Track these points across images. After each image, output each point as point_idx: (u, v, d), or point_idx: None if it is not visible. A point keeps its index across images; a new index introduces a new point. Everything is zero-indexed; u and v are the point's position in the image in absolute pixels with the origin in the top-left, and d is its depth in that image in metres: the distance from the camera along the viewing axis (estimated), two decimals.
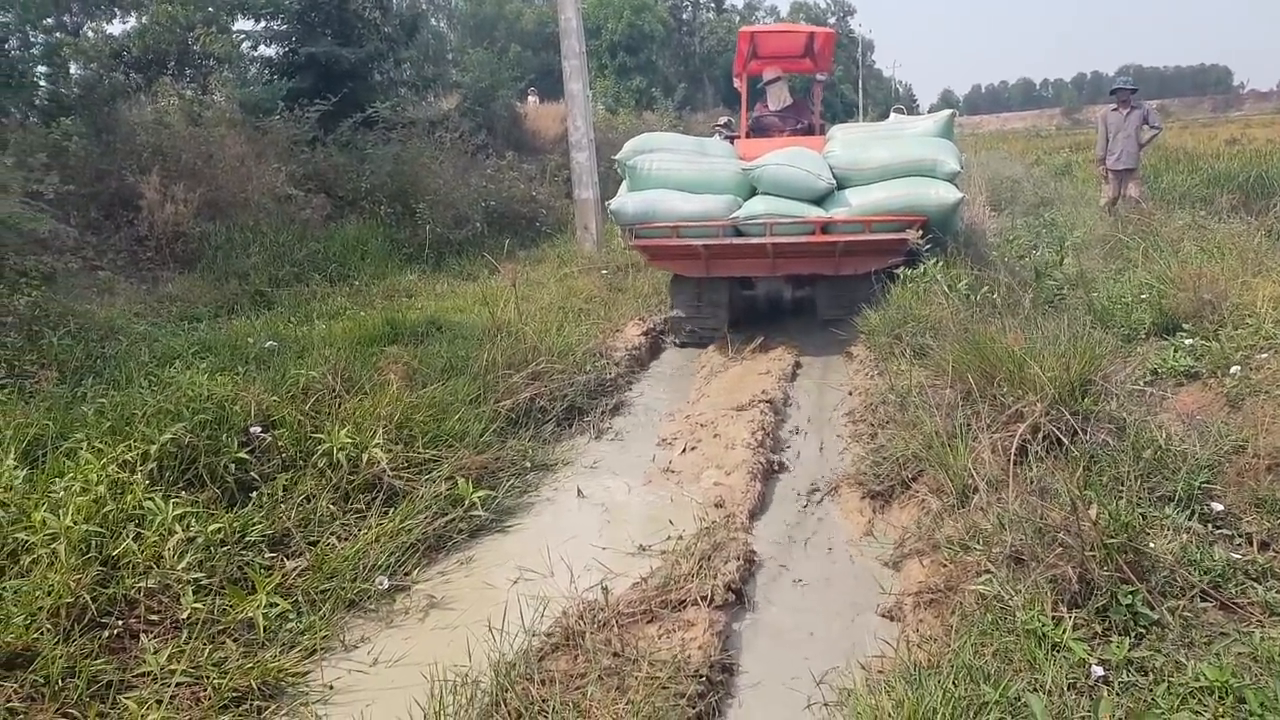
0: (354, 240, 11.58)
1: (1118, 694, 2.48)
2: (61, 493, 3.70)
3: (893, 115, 8.93)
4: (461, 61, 23.37)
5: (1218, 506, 3.58)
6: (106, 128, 11.09)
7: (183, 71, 15.74)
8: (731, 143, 9.23)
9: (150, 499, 3.79)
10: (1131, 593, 2.78)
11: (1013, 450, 3.86)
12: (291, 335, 7.30)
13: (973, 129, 60.78)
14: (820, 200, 7.19)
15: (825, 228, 6.99)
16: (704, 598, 3.60)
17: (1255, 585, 3.03)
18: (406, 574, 4.01)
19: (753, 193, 7.43)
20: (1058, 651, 2.67)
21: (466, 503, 4.47)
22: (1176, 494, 3.60)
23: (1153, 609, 2.76)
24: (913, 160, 7.13)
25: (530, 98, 23.92)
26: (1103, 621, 2.77)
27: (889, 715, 2.38)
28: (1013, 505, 3.44)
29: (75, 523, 3.49)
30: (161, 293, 9.41)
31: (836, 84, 54.10)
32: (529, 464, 5.17)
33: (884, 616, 3.56)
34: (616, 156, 7.99)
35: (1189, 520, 3.46)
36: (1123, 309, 6.21)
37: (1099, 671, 2.55)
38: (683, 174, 7.53)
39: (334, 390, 5.37)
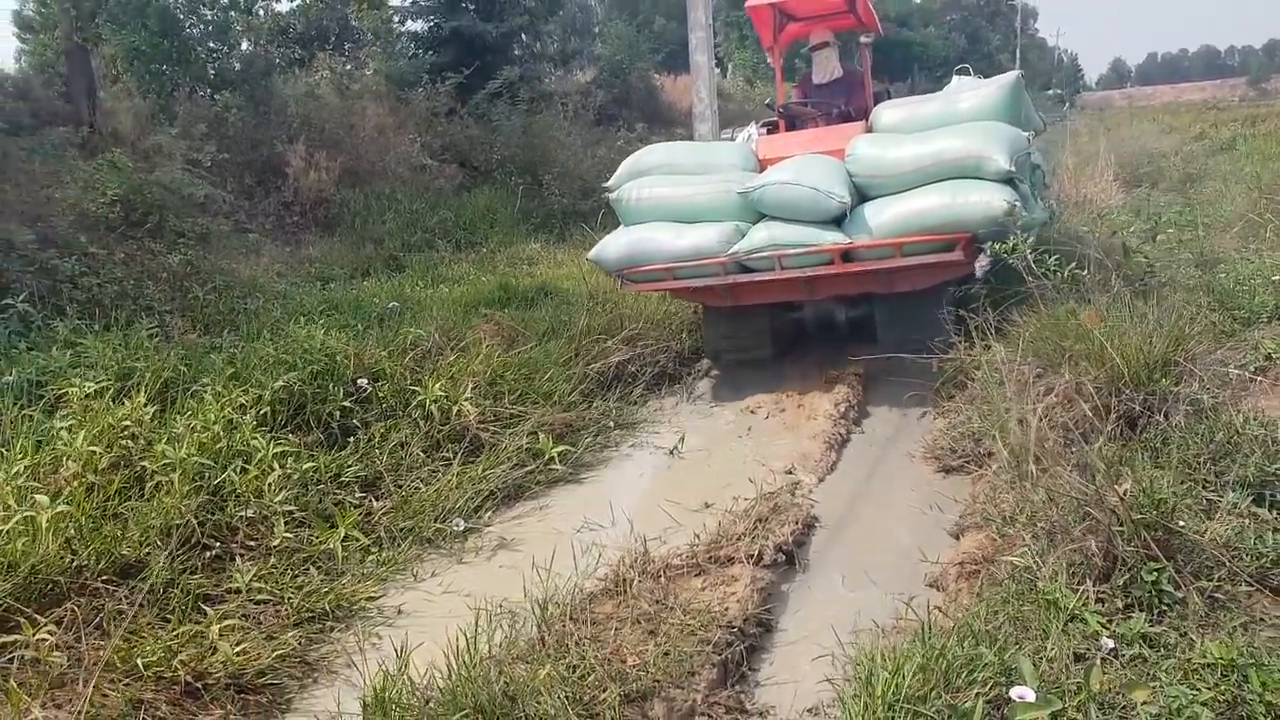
0: (484, 209, 12.05)
1: (1122, 666, 2.48)
2: (181, 429, 4.15)
3: (954, 80, 7.02)
4: (604, 34, 23.66)
5: None
6: (263, 100, 11.89)
7: (341, 46, 16.70)
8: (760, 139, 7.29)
9: (255, 438, 4.21)
10: (1158, 570, 2.75)
11: (1073, 427, 3.81)
12: (415, 297, 7.74)
13: (1144, 100, 57.19)
14: (842, 218, 5.56)
15: (846, 255, 5.53)
16: (750, 556, 3.73)
17: None
18: (482, 518, 4.31)
19: (762, 215, 5.86)
20: (1074, 623, 2.68)
21: (546, 456, 4.74)
22: (1247, 479, 3.48)
23: (1178, 588, 2.72)
24: (951, 159, 5.44)
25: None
26: (1126, 597, 2.76)
27: (881, 667, 2.47)
28: (1067, 480, 3.41)
29: (189, 455, 3.92)
30: (302, 254, 10.11)
31: (994, 54, 51.70)
32: (612, 423, 5.39)
33: (930, 586, 3.60)
34: (607, 185, 6.63)
35: (1256, 506, 3.35)
36: (1247, 291, 5.91)
37: (1109, 644, 2.55)
38: (676, 201, 6.08)
39: (440, 348, 5.74)
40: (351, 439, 4.66)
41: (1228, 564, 2.95)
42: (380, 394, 5.01)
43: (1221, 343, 4.96)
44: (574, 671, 2.75)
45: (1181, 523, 2.90)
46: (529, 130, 13.71)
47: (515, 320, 6.65)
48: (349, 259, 10.13)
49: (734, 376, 6.46)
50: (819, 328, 6.62)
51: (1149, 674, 2.41)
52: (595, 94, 17.70)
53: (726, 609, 3.36)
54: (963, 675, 2.42)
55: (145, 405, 4.28)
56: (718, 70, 29.95)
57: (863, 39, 7.30)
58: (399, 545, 4.00)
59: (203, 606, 3.28)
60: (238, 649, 3.01)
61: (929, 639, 2.62)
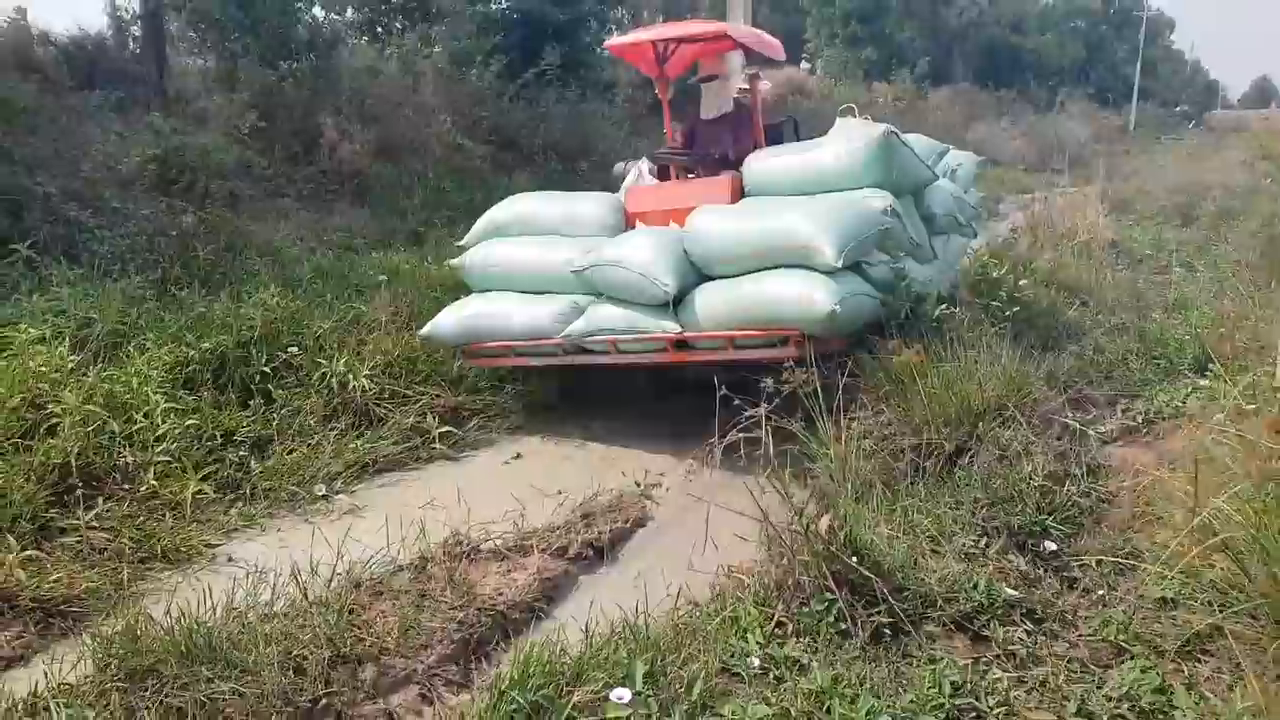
0: (517, 191, 12.45)
1: (764, 684, 2.71)
2: (93, 379, 4.67)
3: (838, 123, 6.23)
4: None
5: (1051, 546, 3.58)
6: (322, 71, 12.53)
7: (411, 23, 17.31)
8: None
9: (156, 394, 4.69)
10: (829, 600, 2.96)
11: (893, 461, 3.98)
12: (407, 273, 8.17)
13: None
14: (678, 301, 5.11)
15: (678, 345, 5.13)
16: (558, 549, 4.04)
17: (1008, 626, 3.10)
18: (348, 486, 4.72)
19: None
20: (743, 640, 2.93)
21: (429, 435, 5.12)
22: (1014, 527, 3.62)
23: (842, 619, 2.92)
24: (779, 245, 4.89)
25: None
26: (796, 624, 2.98)
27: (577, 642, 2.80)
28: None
29: (86, 403, 4.42)
30: (330, 223, 10.67)
31: (1119, 65, 49.49)
32: (508, 410, 5.73)
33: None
34: (461, 243, 6.40)
35: (1010, 555, 3.50)
36: (1175, 341, 5.88)
37: (755, 662, 2.79)
38: (518, 268, 5.72)
39: (381, 324, 6.17)
40: (252, 402, 5.11)
41: (939, 603, 3.15)
42: (297, 363, 5.47)
43: (1104, 390, 5.03)
44: (304, 630, 3.10)
45: (886, 561, 3.09)
46: (573, 117, 14.07)
47: None
48: (373, 230, 10.67)
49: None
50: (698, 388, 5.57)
51: (763, 693, 2.64)
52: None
53: (500, 592, 3.67)
54: (599, 672, 2.70)
55: (69, 355, 4.81)
56: (806, 67, 29.87)
57: (745, 70, 6.55)
58: (259, 502, 4.44)
59: (42, 538, 3.77)
60: (54, 579, 3.47)
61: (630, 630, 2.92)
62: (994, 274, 5.48)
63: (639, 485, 4.74)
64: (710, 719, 2.51)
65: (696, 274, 5.20)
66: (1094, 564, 3.47)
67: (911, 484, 4.05)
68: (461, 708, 2.77)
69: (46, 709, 2.64)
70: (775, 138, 6.51)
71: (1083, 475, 3.90)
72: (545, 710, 2.54)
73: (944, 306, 4.79)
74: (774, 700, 2.58)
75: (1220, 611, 2.83)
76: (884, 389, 4.48)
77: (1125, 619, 3.08)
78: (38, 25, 11.81)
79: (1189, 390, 4.97)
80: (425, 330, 5.75)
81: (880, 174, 5.37)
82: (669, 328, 5.05)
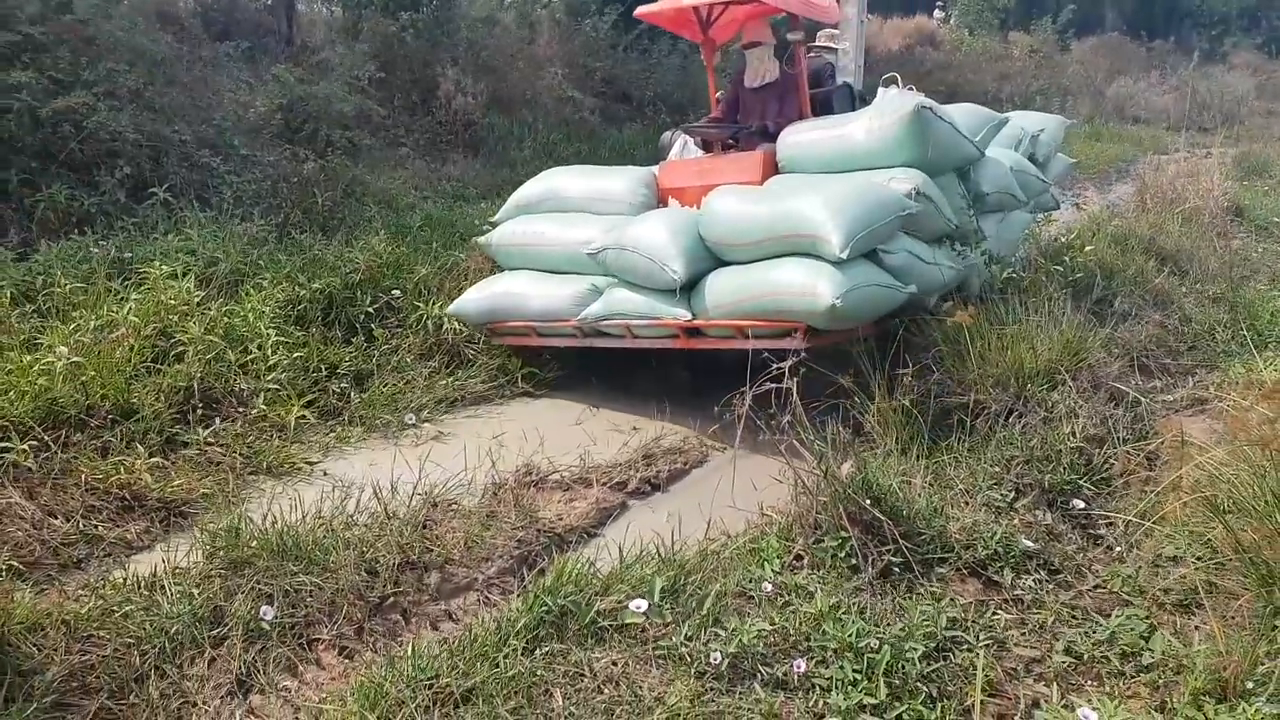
0: (625, 144, 12.75)
1: (773, 607, 2.98)
2: (215, 312, 5.22)
3: (881, 92, 5.79)
4: None
5: (1079, 504, 3.71)
6: (443, 21, 12.98)
7: None
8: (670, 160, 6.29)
9: (270, 329, 5.21)
10: (842, 537, 3.20)
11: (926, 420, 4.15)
12: None
13: None
14: (692, 286, 5.04)
15: (690, 331, 5.08)
16: (613, 482, 4.39)
17: (1022, 575, 3.28)
18: (435, 416, 5.18)
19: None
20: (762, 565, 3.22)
21: (513, 375, 5.55)
22: (1044, 483, 3.76)
23: (853, 556, 3.16)
24: (787, 233, 4.69)
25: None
26: (810, 556, 3.23)
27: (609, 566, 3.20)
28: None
29: (207, 334, 4.97)
30: (444, 172, 11.20)
31: None
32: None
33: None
34: (493, 220, 6.39)
35: (1037, 510, 3.65)
36: (1270, 313, 5.80)
37: (768, 587, 3.06)
38: (541, 248, 5.72)
39: (471, 272, 6.59)
40: (355, 339, 5.61)
41: (956, 550, 3.35)
42: (399, 305, 5.94)
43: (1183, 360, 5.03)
44: (380, 539, 3.53)
45: (904, 508, 3.30)
46: (685, 69, 14.18)
47: None
48: (484, 180, 11.13)
49: None
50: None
51: (768, 613, 2.92)
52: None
53: (559, 518, 4.05)
54: (624, 585, 3.03)
55: (195, 290, 5.37)
56: (939, 15, 28.80)
57: (790, 35, 5.84)
58: (355, 428, 4.93)
59: (166, 450, 4.33)
60: (175, 484, 4.01)
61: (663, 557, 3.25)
62: (1061, 241, 5.48)
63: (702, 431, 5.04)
64: (716, 629, 2.81)
65: (712, 259, 5.08)
66: (1121, 525, 3.58)
67: (956, 442, 4.21)
68: (501, 607, 3.15)
69: (163, 587, 3.13)
70: (827, 108, 6.05)
71: (1122, 440, 3.98)
72: (571, 614, 2.88)
73: (1010, 271, 4.85)
74: (777, 620, 2.85)
75: (1216, 569, 2.95)
76: (935, 349, 4.60)
77: (1132, 573, 3.22)
78: None
79: (1269, 363, 4.93)
80: (452, 307, 5.82)
81: (913, 152, 5.06)
82: (679, 314, 4.98)
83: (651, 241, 4.98)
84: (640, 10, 6.15)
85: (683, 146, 6.36)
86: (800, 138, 5.48)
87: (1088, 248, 5.40)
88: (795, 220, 4.67)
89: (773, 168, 5.50)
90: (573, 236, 5.56)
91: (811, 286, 4.49)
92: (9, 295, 5.04)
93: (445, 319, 5.75)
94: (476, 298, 5.75)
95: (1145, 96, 23.52)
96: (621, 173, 6.12)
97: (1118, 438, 3.96)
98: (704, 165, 5.83)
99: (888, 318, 5.03)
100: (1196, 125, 20.34)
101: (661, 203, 5.78)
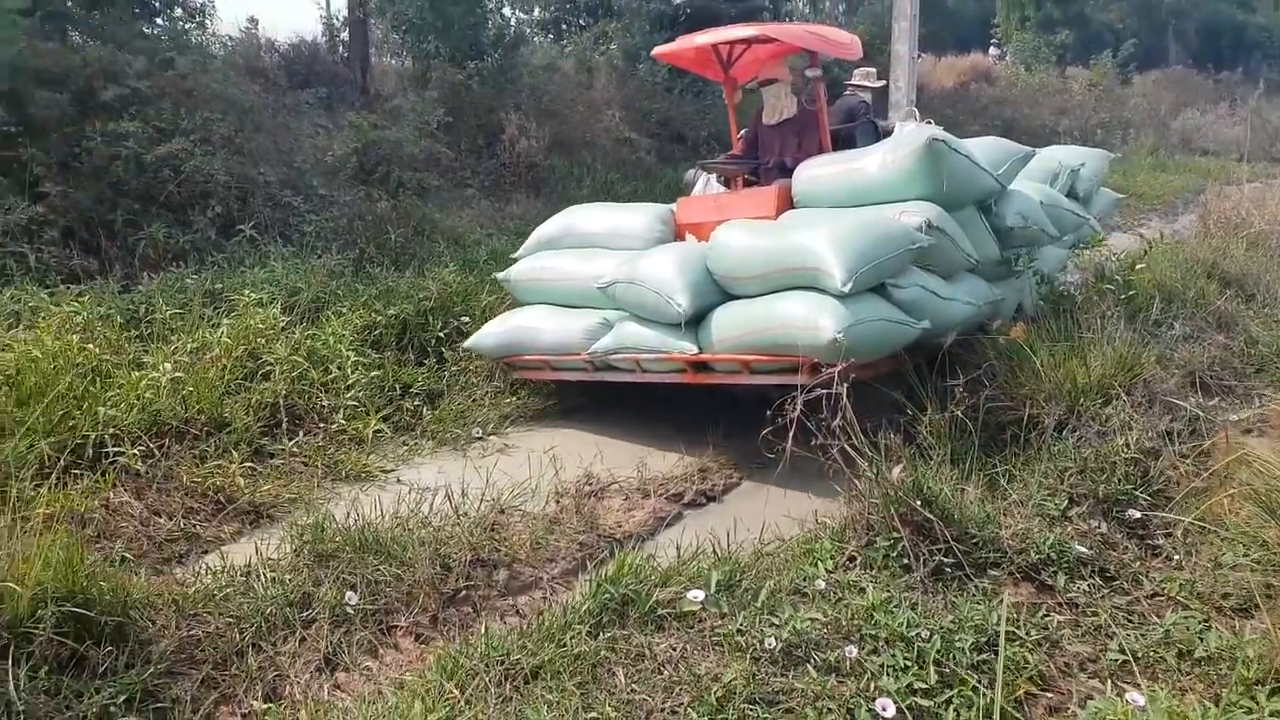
0: (680, 183, 13.02)
1: (826, 602, 3.12)
2: (299, 336, 5.56)
3: (898, 125, 5.91)
4: (860, 13, 23.71)
5: (1135, 514, 3.77)
6: (507, 69, 13.52)
7: (594, 19, 18.19)
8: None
9: (350, 352, 5.53)
10: (894, 538, 3.32)
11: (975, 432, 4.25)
12: None
13: None
14: (699, 320, 5.02)
15: (698, 366, 5.07)
16: (670, 493, 4.56)
17: (1077, 580, 3.35)
18: (501, 430, 5.44)
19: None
20: (815, 564, 3.35)
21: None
22: (1098, 494, 3.83)
23: (905, 556, 3.28)
24: (791, 266, 4.65)
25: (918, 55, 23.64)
26: (863, 556, 3.37)
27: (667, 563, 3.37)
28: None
29: (291, 355, 5.30)
30: (507, 211, 11.59)
31: None
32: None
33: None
34: (514, 255, 6.48)
35: (1092, 519, 3.72)
36: None
37: (821, 584, 3.19)
38: (557, 283, 5.78)
39: None
40: (427, 361, 5.91)
41: (1009, 554, 3.45)
42: (468, 330, 6.23)
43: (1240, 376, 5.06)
44: (452, 538, 3.75)
45: (956, 513, 3.41)
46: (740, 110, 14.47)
47: None
48: (546, 218, 11.46)
49: None
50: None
51: (821, 606, 3.05)
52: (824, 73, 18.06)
53: (619, 525, 4.23)
54: (682, 578, 3.20)
55: (280, 316, 5.72)
56: (995, 53, 28.85)
57: (808, 73, 5.92)
58: (427, 440, 5.22)
59: (255, 458, 4.62)
60: (264, 488, 4.30)
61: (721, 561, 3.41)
62: (1113, 261, 5.58)
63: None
64: (771, 618, 2.95)
65: (720, 293, 5.04)
66: (1179, 533, 3.63)
67: (1010, 454, 4.30)
68: (568, 595, 3.33)
69: (258, 574, 3.39)
70: (849, 144, 6.04)
71: (1178, 452, 4.02)
72: (632, 601, 3.05)
73: (1062, 288, 4.95)
74: (830, 611, 2.99)
75: (1273, 570, 3.01)
76: (987, 364, 4.71)
77: (1190, 578, 3.28)
78: (265, 35, 13.39)
79: None
80: (469, 341, 5.94)
81: (927, 185, 4.96)
82: (686, 348, 4.96)
83: (659, 275, 4.98)
84: (658, 50, 6.25)
85: (705, 183, 6.41)
86: (815, 172, 5.45)
87: (1139, 265, 5.45)
88: (799, 254, 4.62)
89: (788, 202, 5.47)
90: (587, 271, 5.58)
91: (814, 320, 4.41)
92: (118, 322, 5.43)
93: None
94: (493, 332, 5.84)
95: (1214, 128, 23.16)
96: (639, 209, 6.18)
97: (1174, 450, 4.01)
98: (720, 201, 5.84)
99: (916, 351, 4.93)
100: (1267, 155, 20.01)
101: (679, 238, 5.79)
